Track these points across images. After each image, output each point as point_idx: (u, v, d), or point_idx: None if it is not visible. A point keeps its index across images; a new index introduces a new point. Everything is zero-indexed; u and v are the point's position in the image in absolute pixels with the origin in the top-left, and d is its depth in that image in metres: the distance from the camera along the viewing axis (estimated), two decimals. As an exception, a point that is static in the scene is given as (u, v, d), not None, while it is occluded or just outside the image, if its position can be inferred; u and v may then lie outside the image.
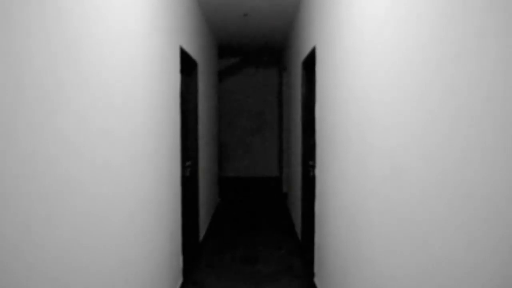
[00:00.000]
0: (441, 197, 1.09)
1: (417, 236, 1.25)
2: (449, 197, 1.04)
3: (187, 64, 3.86)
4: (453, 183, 1.02)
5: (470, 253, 0.94)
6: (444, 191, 1.07)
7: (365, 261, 1.86)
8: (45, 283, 1.14)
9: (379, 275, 1.64)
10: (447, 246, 1.05)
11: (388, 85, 1.54)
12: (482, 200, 0.89)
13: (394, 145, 1.48)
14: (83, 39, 1.40)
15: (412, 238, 1.29)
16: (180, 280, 3.21)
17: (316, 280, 3.18)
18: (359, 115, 1.97)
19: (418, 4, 1.24)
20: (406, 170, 1.35)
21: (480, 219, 0.89)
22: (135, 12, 2.03)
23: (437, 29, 1.12)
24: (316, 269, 3.23)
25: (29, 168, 1.06)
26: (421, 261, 1.22)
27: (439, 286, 1.09)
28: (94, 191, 1.49)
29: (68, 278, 1.28)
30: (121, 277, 1.81)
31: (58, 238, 1.21)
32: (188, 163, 3.75)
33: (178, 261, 3.13)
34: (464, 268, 0.96)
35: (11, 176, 0.99)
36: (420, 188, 1.23)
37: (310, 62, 3.73)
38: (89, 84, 1.45)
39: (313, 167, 3.54)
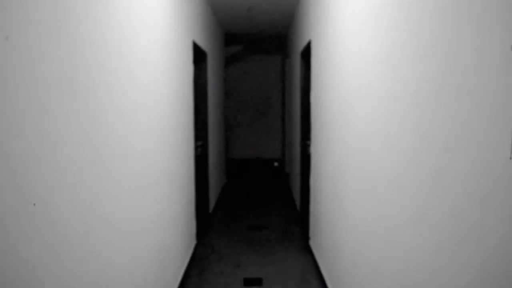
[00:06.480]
0: (389, 160, 1.59)
1: (371, 187, 1.76)
2: (393, 159, 1.54)
3: (198, 54, 4.34)
4: (396, 149, 1.52)
5: (404, 196, 1.45)
6: (390, 156, 1.57)
7: (343, 212, 2.38)
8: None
9: (352, 222, 2.16)
10: (390, 193, 1.56)
11: (356, 77, 2.03)
12: (418, 159, 1.39)
13: (361, 124, 1.97)
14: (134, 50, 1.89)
15: (367, 189, 1.81)
16: (194, 242, 3.75)
17: (311, 242, 3.72)
18: (340, 100, 2.46)
19: (393, 10, 1.73)
20: (370, 140, 1.85)
21: (411, 169, 1.40)
22: (162, 25, 2.51)
23: (400, 38, 1.60)
24: (311, 233, 3.76)
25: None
26: (373, 204, 1.73)
27: (386, 225, 1.61)
28: (137, 165, 2.01)
29: (126, 226, 1.80)
30: (156, 225, 2.34)
31: (122, 191, 1.73)
32: (199, 143, 4.26)
33: (192, 225, 3.67)
34: (400, 208, 1.48)
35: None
36: (377, 154, 1.73)
37: (307, 53, 4.19)
38: (137, 82, 1.95)
39: (309, 146, 4.04)
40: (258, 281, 3.13)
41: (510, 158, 0.88)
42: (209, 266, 3.41)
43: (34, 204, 1.03)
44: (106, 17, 1.57)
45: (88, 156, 1.36)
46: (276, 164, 8.65)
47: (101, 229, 1.47)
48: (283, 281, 3.13)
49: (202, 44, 4.27)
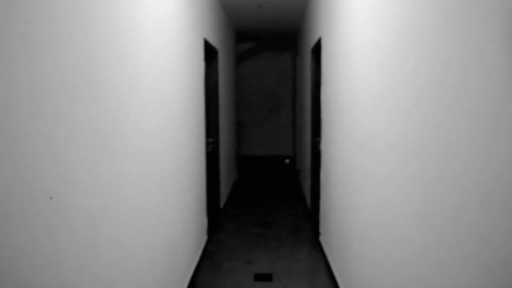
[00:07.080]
0: (389, 160, 1.60)
1: (375, 186, 1.76)
2: (393, 159, 1.55)
3: (209, 52, 4.37)
4: (397, 149, 1.52)
5: (404, 195, 1.45)
6: (390, 155, 1.58)
7: (351, 209, 2.39)
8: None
9: (359, 219, 2.17)
10: (391, 193, 1.57)
11: (364, 75, 2.03)
12: (417, 158, 1.39)
13: (366, 119, 1.98)
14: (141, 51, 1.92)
15: (371, 188, 1.81)
16: (205, 238, 3.80)
17: (321, 238, 3.73)
18: (348, 98, 2.46)
19: (396, 9, 1.72)
20: (372, 139, 1.85)
21: (409, 164, 1.40)
22: (175, 24, 2.53)
23: (399, 34, 1.60)
24: (321, 229, 3.77)
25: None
26: (376, 202, 1.73)
27: (387, 224, 1.61)
28: (143, 164, 2.05)
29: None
30: (164, 224, 2.38)
31: (135, 189, 1.77)
32: (210, 140, 4.30)
33: (203, 221, 3.71)
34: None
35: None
36: (379, 154, 1.74)
37: (317, 50, 4.18)
38: (143, 81, 1.98)
39: (319, 142, 4.04)
40: (269, 276, 3.16)
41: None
42: (220, 262, 3.45)
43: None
44: (115, 17, 1.60)
45: (94, 155, 1.40)
46: (287, 161, 8.65)
47: (105, 228, 1.50)
48: (293, 276, 3.15)
49: (213, 41, 4.30)
